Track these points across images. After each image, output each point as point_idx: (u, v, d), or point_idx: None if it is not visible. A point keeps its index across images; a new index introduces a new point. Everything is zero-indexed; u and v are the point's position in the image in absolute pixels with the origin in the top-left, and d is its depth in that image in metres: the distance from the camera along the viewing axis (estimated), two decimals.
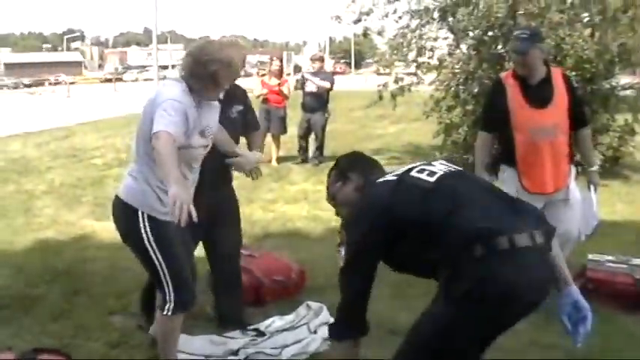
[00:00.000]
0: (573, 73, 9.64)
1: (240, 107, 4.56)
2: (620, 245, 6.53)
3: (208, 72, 3.55)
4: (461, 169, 2.93)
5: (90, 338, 4.57)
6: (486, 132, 5.01)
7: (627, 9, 10.49)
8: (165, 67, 73.78)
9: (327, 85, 12.12)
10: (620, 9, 10.44)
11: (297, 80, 14.00)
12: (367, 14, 11.60)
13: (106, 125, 20.79)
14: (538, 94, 4.68)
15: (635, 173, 10.89)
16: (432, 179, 2.73)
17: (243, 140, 4.66)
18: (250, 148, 4.62)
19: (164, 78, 59.01)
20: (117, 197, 3.68)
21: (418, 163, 2.92)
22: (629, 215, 8.34)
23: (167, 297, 3.63)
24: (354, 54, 62.65)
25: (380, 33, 11.90)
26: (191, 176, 3.71)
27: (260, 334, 4.50)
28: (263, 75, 12.70)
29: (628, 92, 11.09)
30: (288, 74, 14.38)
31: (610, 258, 5.26)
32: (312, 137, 12.52)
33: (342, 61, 66.96)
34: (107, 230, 7.21)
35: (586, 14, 10.82)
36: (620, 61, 10.76)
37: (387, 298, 4.94)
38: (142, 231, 3.56)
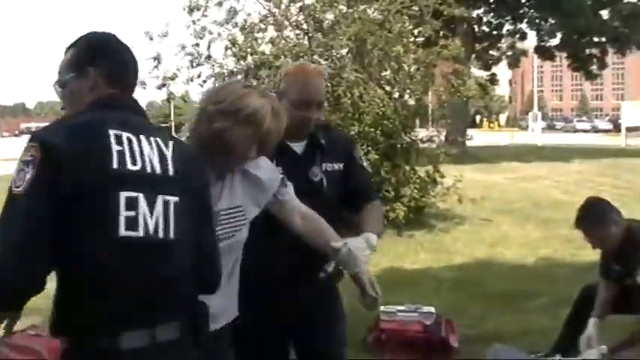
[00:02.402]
0: (372, 129, 10.06)
1: (340, 164, 3.06)
2: (420, 293, 6.77)
3: (211, 131, 2.40)
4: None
5: None
6: None
7: (419, 67, 11.14)
8: None
9: None
10: (412, 65, 11.06)
11: None
12: (172, 79, 11.60)
13: None
14: None
15: (438, 222, 11.38)
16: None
17: None
18: (362, 229, 2.91)
19: None
20: None
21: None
22: (431, 263, 8.69)
23: None
24: (174, 118, 61.94)
25: (184, 97, 11.92)
26: None
27: None
28: None
29: (427, 145, 11.65)
30: None
31: (401, 308, 5.42)
32: None
33: (163, 125, 66.20)
34: None
35: (384, 72, 11.37)
36: (418, 116, 11.35)
37: None
38: None
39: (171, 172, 1.99)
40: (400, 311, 5.39)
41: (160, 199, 1.95)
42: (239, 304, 2.61)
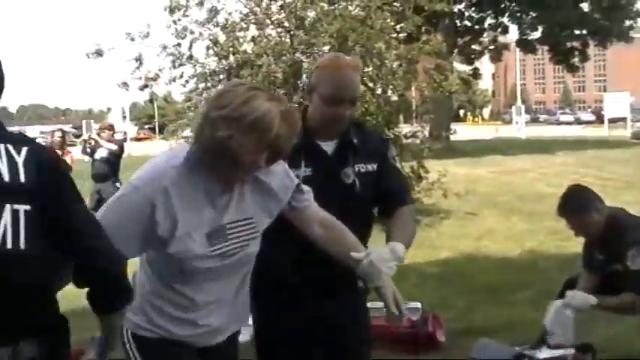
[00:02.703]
0: None
1: (373, 165, 2.83)
2: (405, 289, 6.75)
3: (214, 138, 2.15)
4: None
5: None
6: None
7: (402, 63, 11.15)
8: None
9: (113, 147, 11.41)
10: (394, 61, 11.07)
11: (85, 141, 13.35)
12: (154, 80, 11.56)
13: None
14: None
15: (423, 217, 11.34)
16: None
17: None
18: (389, 237, 2.74)
19: None
20: None
21: None
22: (416, 258, 8.65)
23: None
24: (158, 118, 61.68)
25: (166, 98, 11.91)
26: (201, 298, 2.31)
27: None
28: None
29: (410, 140, 11.66)
30: (82, 142, 13.86)
31: None
32: None
33: (147, 126, 65.60)
34: None
35: (367, 69, 11.37)
36: (401, 112, 11.36)
37: None
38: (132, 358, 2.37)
39: (22, 179, 1.84)
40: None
41: (7, 208, 1.81)
42: (262, 308, 2.61)
